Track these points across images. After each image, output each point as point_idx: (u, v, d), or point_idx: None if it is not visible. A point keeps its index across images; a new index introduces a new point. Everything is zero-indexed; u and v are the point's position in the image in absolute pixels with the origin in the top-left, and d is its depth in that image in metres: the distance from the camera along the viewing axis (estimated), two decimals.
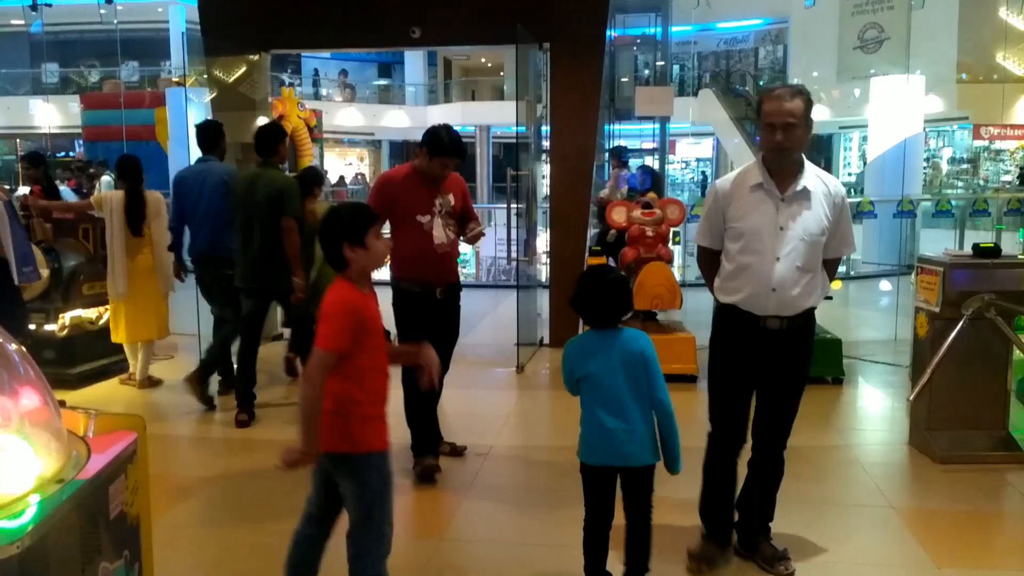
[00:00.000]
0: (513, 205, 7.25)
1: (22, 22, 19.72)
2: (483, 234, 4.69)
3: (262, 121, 8.09)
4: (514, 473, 4.66)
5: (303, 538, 2.79)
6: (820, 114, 20.25)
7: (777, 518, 3.50)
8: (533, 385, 6.56)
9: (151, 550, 2.11)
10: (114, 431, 2.02)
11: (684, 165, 29.78)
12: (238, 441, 5.10)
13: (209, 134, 5.92)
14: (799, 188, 3.13)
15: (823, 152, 22.14)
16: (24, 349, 1.96)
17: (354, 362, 2.53)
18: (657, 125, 17.95)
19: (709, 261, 3.37)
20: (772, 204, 3.13)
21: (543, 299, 7.96)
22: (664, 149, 19.55)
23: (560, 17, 7.09)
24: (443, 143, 4.26)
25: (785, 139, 3.06)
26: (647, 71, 24.66)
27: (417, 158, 4.35)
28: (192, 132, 6.29)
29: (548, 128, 7.50)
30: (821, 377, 6.15)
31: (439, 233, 4.32)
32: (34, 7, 17.45)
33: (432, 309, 4.38)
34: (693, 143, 28.19)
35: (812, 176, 3.18)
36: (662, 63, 20.79)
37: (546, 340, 7.61)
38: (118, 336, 6.04)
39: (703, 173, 28.75)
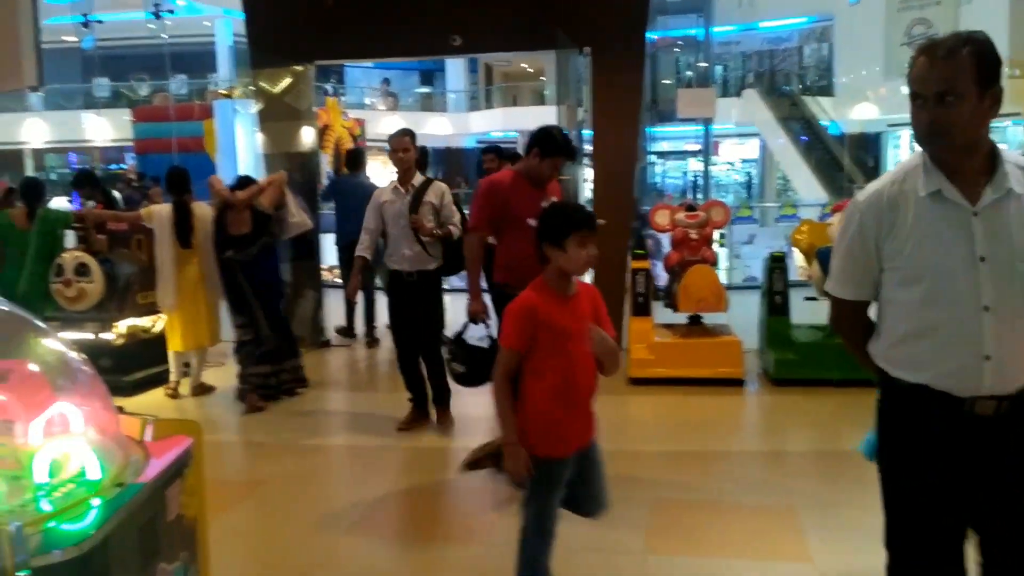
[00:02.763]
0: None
1: (74, 38, 20.28)
2: None
3: (307, 131, 8.26)
4: None
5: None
6: (868, 112, 19.95)
7: None
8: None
9: (207, 552, 2.17)
10: (171, 436, 2.08)
11: (729, 166, 29.49)
12: (290, 446, 5.19)
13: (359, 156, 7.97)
14: (1001, 192, 2.00)
15: (871, 151, 21.77)
16: (86, 358, 2.03)
17: (538, 363, 2.64)
18: (700, 127, 17.84)
19: (851, 319, 2.26)
20: (961, 221, 2.00)
21: None
22: (708, 150, 19.39)
23: (600, 21, 7.08)
24: (556, 142, 4.23)
25: (937, 119, 1.95)
26: (689, 72, 24.54)
27: (522, 161, 4.38)
28: (240, 143, 6.45)
29: (590, 132, 7.50)
30: None
31: None
32: (86, 24, 18.01)
33: None
34: (738, 144, 27.92)
35: (1016, 170, 2.03)
36: (704, 64, 20.60)
37: None
38: (175, 344, 6.16)
39: (748, 174, 28.45)
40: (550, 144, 4.21)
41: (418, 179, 5.23)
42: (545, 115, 12.22)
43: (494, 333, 4.32)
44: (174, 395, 6.15)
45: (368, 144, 15.51)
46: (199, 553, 2.07)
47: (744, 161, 29.23)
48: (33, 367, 1.94)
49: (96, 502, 1.69)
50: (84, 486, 1.75)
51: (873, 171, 19.48)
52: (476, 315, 4.41)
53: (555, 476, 2.69)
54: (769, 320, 6.28)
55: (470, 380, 4.45)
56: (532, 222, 4.07)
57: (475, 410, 5.27)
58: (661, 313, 6.72)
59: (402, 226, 5.12)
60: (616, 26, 7.08)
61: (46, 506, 1.67)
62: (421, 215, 5.06)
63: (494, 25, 7.31)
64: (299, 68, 7.95)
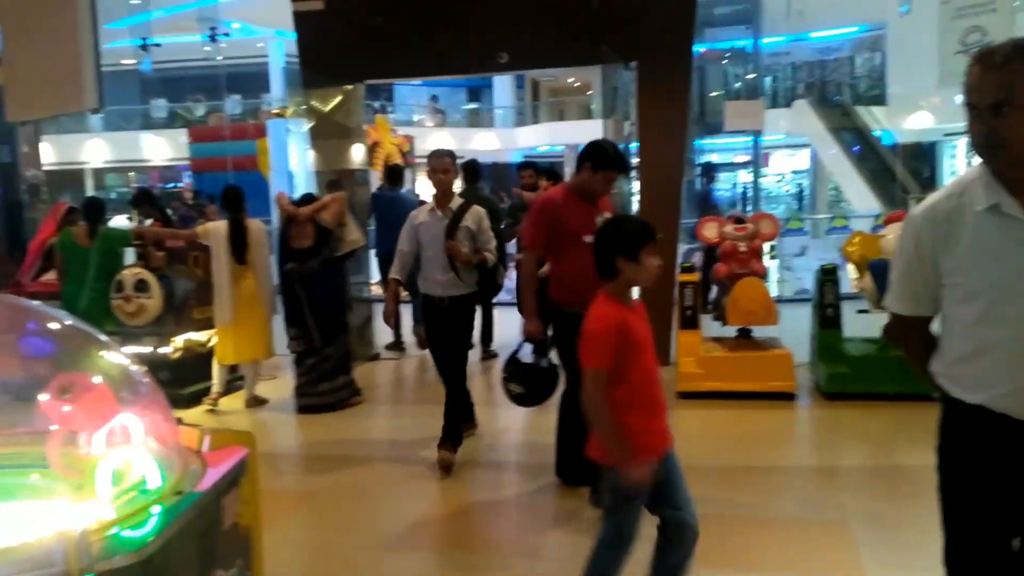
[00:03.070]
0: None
1: (133, 61, 20.89)
2: None
3: (357, 148, 8.41)
4: None
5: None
6: (923, 121, 19.55)
7: None
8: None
9: (262, 559, 2.22)
10: (227, 447, 2.14)
11: (780, 178, 29.14)
12: (341, 459, 5.27)
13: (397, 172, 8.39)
14: None
15: (927, 161, 21.33)
16: (147, 371, 2.11)
17: (622, 376, 2.64)
18: (750, 138, 17.67)
19: (911, 335, 2.22)
20: (1021, 237, 1.93)
21: None
22: (757, 162, 19.19)
23: (646, 35, 7.09)
24: (607, 155, 4.19)
25: (993, 130, 1.89)
26: (738, 84, 24.33)
27: (573, 177, 4.32)
28: (292, 161, 6.62)
29: (636, 145, 7.50)
30: None
31: None
32: (144, 47, 18.55)
33: None
34: (788, 155, 27.60)
35: None
36: (752, 75, 20.40)
37: None
38: (225, 357, 6.30)
39: (799, 185, 28.08)
40: (601, 157, 4.17)
41: (456, 202, 5.02)
42: (592, 129, 12.27)
43: (552, 355, 4.34)
44: (213, 407, 6.27)
45: (417, 160, 15.67)
46: (254, 561, 2.12)
47: (795, 172, 28.88)
48: (97, 380, 2.01)
49: (156, 510, 1.75)
50: (145, 494, 1.81)
51: (929, 181, 19.09)
52: (532, 336, 4.32)
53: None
54: (821, 333, 6.19)
55: (528, 400, 4.41)
56: (588, 239, 3.95)
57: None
58: (710, 326, 6.67)
59: (437, 250, 4.90)
60: (662, 40, 7.08)
61: (108, 513, 1.73)
62: (457, 240, 4.86)
63: (540, 42, 7.37)
64: (348, 87, 8.10)
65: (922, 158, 21.12)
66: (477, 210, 5.00)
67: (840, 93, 23.93)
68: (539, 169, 7.39)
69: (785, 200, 27.31)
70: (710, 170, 25.31)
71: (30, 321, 2.09)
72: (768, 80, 24.95)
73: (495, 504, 4.62)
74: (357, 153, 8.37)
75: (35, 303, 2.31)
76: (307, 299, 6.09)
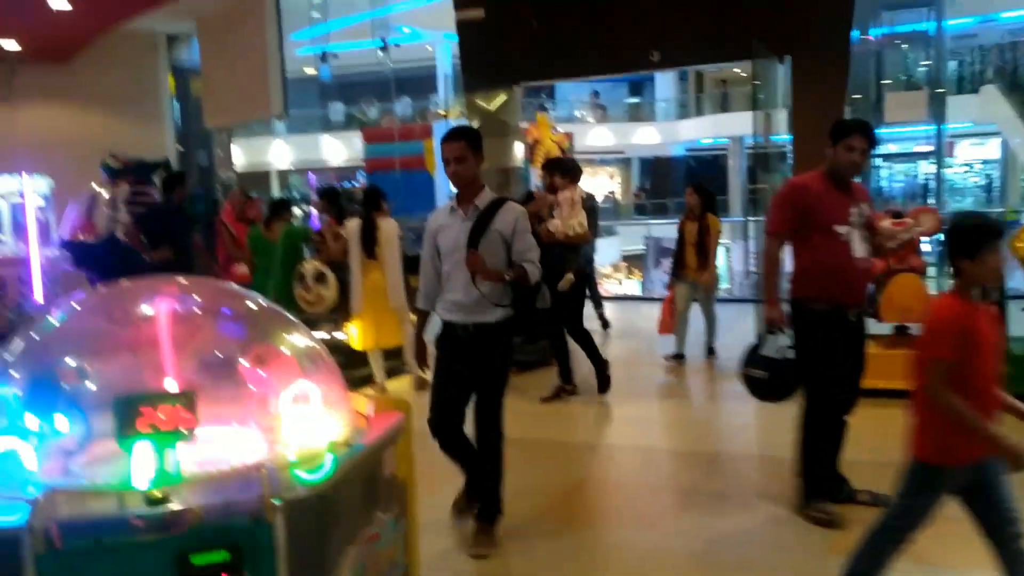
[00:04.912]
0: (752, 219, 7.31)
1: (313, 70, 22.49)
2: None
3: (516, 146, 8.84)
4: (745, 475, 4.82)
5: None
6: None
7: None
8: None
9: (415, 508, 2.58)
10: (387, 412, 2.51)
11: (967, 168, 27.29)
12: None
13: None
14: None
15: None
16: (324, 348, 2.51)
17: (961, 374, 2.58)
18: (932, 126, 16.70)
19: None
20: None
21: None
22: (940, 152, 18.10)
23: (800, 28, 7.05)
24: (843, 123, 4.00)
25: None
26: (921, 69, 22.99)
27: (824, 162, 3.98)
28: None
29: (790, 138, 7.46)
30: None
31: (859, 246, 3.92)
32: (323, 58, 20.07)
33: (842, 333, 3.97)
34: (976, 144, 25.80)
35: None
36: (927, 63, 19.24)
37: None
38: (358, 344, 6.73)
39: (987, 176, 26.21)
40: (839, 128, 3.91)
41: (485, 197, 3.80)
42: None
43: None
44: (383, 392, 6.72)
45: (576, 156, 15.98)
46: (408, 509, 2.48)
47: (984, 163, 26.96)
48: (285, 351, 2.42)
49: (328, 457, 2.13)
50: (320, 445, 2.19)
51: None
52: (773, 323, 3.96)
53: (938, 484, 2.71)
54: None
55: (770, 389, 3.99)
56: (841, 229, 3.86)
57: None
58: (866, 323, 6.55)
59: (456, 261, 3.75)
60: (817, 33, 7.02)
61: (292, 458, 2.12)
62: (483, 250, 3.68)
63: (691, 39, 7.48)
64: (509, 89, 8.52)
65: None
66: (513, 208, 3.85)
67: None
68: (564, 168, 6.86)
69: (973, 192, 25.58)
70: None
71: (233, 301, 2.54)
72: (952, 65, 23.46)
73: (620, 482, 4.83)
74: (516, 151, 8.79)
75: (235, 287, 2.78)
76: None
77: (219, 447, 2.19)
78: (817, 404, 3.98)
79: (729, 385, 6.67)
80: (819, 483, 4.04)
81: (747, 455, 5.31)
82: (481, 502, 3.89)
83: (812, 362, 3.88)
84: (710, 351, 7.73)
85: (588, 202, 6.78)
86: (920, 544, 3.56)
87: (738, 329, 7.98)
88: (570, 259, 6.31)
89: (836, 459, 4.14)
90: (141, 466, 1.96)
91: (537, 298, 3.87)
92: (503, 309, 3.74)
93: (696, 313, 7.63)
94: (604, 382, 6.57)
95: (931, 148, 18.27)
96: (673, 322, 7.64)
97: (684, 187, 8.85)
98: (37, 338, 2.31)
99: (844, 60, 7.10)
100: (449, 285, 3.81)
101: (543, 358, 7.09)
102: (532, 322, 3.95)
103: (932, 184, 20.65)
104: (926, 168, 24.11)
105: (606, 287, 17.82)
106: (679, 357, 7.59)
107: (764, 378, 3.91)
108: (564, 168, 6.75)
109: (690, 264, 7.49)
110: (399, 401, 2.58)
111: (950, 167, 24.55)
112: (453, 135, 3.76)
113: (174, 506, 1.80)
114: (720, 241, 7.52)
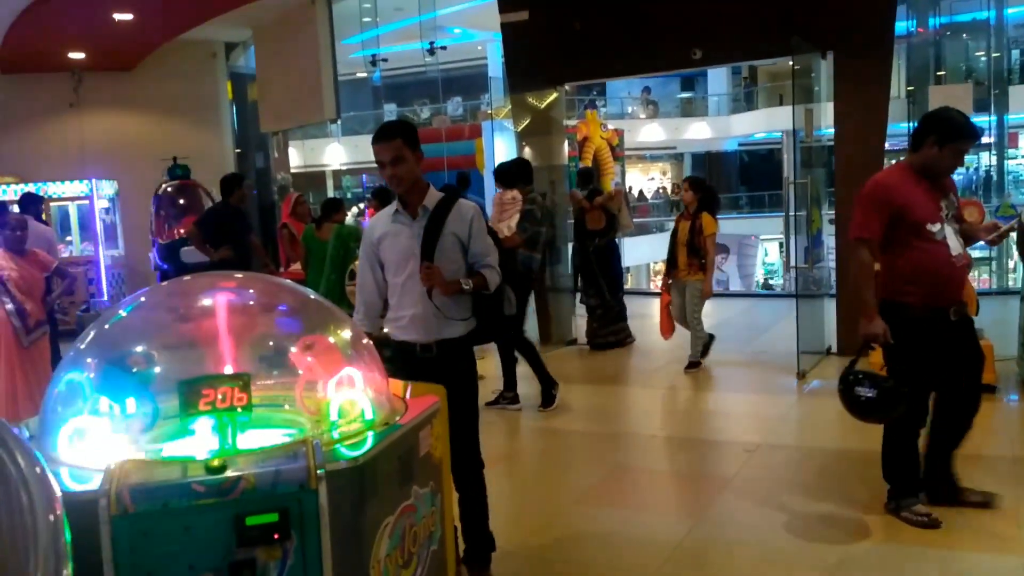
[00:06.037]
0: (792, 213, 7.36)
1: (364, 73, 22.99)
2: None
3: (563, 145, 9.02)
4: (776, 467, 4.92)
5: None
6: None
7: None
8: (813, 391, 6.61)
9: (450, 485, 2.79)
10: (423, 396, 2.72)
11: None
12: (535, 429, 5.90)
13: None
14: None
15: None
16: (371, 343, 2.73)
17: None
18: (993, 116, 16.37)
19: None
20: None
21: (831, 307, 7.88)
22: (1002, 143, 17.73)
23: (841, 24, 7.07)
24: (956, 124, 3.57)
25: None
26: (982, 58, 22.45)
27: (914, 154, 3.71)
28: (500, 157, 7.26)
29: (831, 131, 7.49)
30: None
31: (954, 243, 3.68)
32: (374, 62, 20.58)
33: (947, 334, 3.74)
34: None
35: None
36: (981, 53, 18.81)
37: (834, 349, 7.56)
38: None
39: None
40: (948, 128, 3.56)
41: (433, 197, 3.34)
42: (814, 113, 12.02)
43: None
44: None
45: (627, 153, 16.04)
46: (443, 485, 2.68)
47: None
48: (331, 340, 2.65)
49: (369, 435, 2.35)
50: (361, 424, 2.41)
51: None
52: (872, 337, 3.69)
53: None
54: None
55: (875, 409, 3.66)
56: (934, 228, 3.60)
57: None
58: None
59: (408, 273, 3.30)
60: (859, 27, 7.04)
61: (335, 435, 2.35)
62: (439, 258, 3.26)
63: (732, 36, 7.55)
64: (552, 90, 8.70)
65: None
66: (466, 206, 3.40)
67: None
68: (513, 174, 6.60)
69: None
70: None
71: (285, 296, 2.78)
72: (1016, 54, 22.86)
73: (663, 472, 4.98)
74: (561, 149, 9.00)
75: (288, 282, 3.02)
76: (599, 268, 8.08)
77: (271, 424, 2.44)
78: (911, 408, 3.76)
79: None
80: (909, 484, 3.89)
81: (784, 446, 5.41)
82: (468, 543, 3.44)
83: (912, 366, 3.68)
84: (691, 364, 7.16)
85: (529, 204, 6.40)
86: (934, 531, 3.70)
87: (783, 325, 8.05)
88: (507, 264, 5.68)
89: (951, 460, 3.96)
90: (202, 439, 2.21)
91: (503, 304, 3.47)
92: (466, 321, 3.35)
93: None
94: (548, 399, 6.19)
95: (992, 139, 17.85)
96: (672, 324, 7.41)
97: (738, 182, 9.08)
98: (108, 328, 2.57)
99: (887, 56, 7.10)
100: (402, 300, 3.34)
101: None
102: (500, 331, 3.67)
103: (994, 176, 20.21)
104: (987, 160, 23.55)
105: (657, 283, 17.88)
106: (695, 365, 7.17)
107: (872, 397, 3.61)
108: (499, 171, 6.78)
109: (680, 265, 7.09)
110: (434, 387, 2.78)
111: (1013, 158, 23.89)
112: (386, 133, 3.28)
113: (231, 474, 2.02)
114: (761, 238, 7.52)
